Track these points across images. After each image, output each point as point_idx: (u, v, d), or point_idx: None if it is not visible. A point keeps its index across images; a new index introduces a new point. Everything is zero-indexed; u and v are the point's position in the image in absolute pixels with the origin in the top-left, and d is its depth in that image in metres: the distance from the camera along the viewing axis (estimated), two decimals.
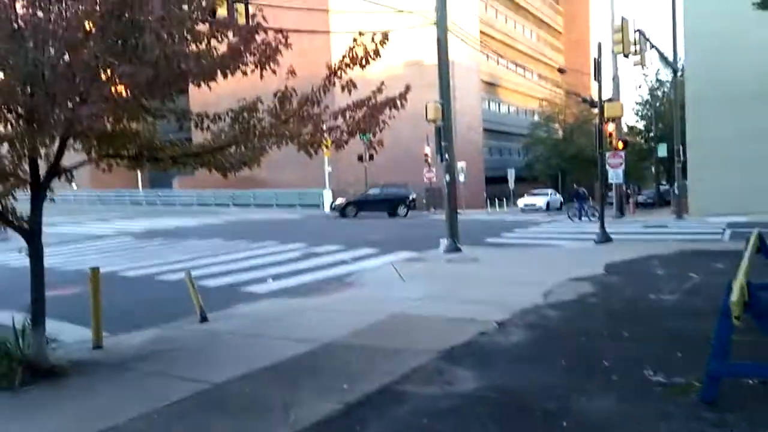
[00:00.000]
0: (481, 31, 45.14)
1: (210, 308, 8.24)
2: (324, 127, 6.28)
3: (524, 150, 58.30)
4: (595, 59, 17.53)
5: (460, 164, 36.85)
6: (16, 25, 4.90)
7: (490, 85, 58.75)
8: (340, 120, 6.35)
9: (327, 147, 6.55)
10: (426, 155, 36.55)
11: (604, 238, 16.03)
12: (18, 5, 4.95)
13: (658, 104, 46.13)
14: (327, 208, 36.65)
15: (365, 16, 15.13)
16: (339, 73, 6.16)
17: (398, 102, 6.26)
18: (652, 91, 47.30)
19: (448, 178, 15.37)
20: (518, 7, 65.59)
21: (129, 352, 6.62)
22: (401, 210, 31.49)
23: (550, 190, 42.70)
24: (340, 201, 32.70)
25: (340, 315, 8.18)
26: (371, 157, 32.83)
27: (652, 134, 45.86)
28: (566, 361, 5.59)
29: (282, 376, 5.49)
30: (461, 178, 36.74)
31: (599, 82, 17.32)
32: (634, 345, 6.10)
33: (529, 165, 56.25)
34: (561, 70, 36.83)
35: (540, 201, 39.67)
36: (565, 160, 52.50)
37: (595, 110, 19.08)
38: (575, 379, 5.12)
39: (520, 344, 6.32)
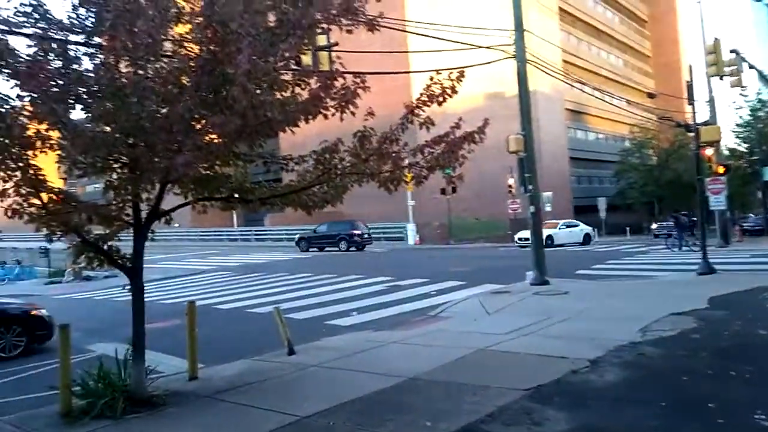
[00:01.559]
0: (564, 60, 44.39)
1: (297, 341, 8.44)
2: (403, 164, 6.38)
3: (616, 177, 56.02)
4: (687, 82, 16.73)
5: (546, 194, 35.97)
6: (120, 83, 5.41)
7: (576, 113, 57.34)
8: (419, 156, 6.44)
9: (407, 182, 6.64)
10: (510, 186, 35.97)
11: (707, 269, 14.97)
12: (121, 65, 5.46)
13: (761, 125, 43.00)
14: (411, 241, 36.91)
15: (444, 54, 15.33)
16: (416, 111, 6.27)
17: (476, 136, 6.27)
18: (753, 111, 44.23)
19: (532, 208, 15.04)
20: (601, 34, 64.04)
21: (221, 383, 6.88)
22: (342, 245, 32.83)
23: (561, 221, 34.69)
24: (297, 237, 36.26)
25: (425, 349, 8.12)
26: (454, 189, 32.76)
27: (756, 157, 42.71)
28: (666, 403, 5.23)
29: (365, 411, 5.50)
30: (547, 208, 35.80)
31: (693, 105, 16.46)
32: (743, 386, 5.63)
33: (622, 192, 53.91)
34: (651, 95, 35.13)
35: None
36: (660, 187, 49.91)
37: (691, 134, 18.10)
38: (676, 423, 4.79)
39: (615, 384, 5.98)
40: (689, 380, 5.91)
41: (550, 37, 39.03)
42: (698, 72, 19.37)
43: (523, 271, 15.09)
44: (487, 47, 15.35)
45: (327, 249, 33.35)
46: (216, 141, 5.57)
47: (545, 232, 32.09)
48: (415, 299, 13.37)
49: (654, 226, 41.79)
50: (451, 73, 6.48)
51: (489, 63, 15.89)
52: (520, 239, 32.79)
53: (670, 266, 18.53)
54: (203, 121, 5.44)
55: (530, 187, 14.76)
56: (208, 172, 6.15)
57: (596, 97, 47.38)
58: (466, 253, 28.54)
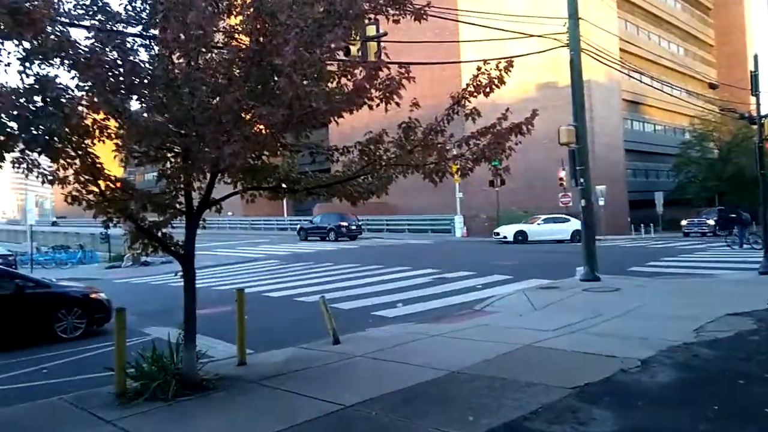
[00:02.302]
0: (621, 49, 42.88)
1: (342, 330, 8.53)
2: (449, 156, 6.32)
3: (674, 171, 53.94)
4: (751, 72, 15.92)
5: (600, 188, 34.99)
6: (172, 74, 5.56)
7: (633, 104, 55.39)
8: (464, 148, 6.36)
9: (453, 175, 6.58)
10: (561, 179, 35.15)
11: None
12: (174, 56, 5.61)
13: None
14: (458, 234, 36.74)
15: (495, 43, 15.08)
16: (463, 101, 6.19)
17: (524, 128, 6.14)
18: None
19: (583, 202, 14.65)
20: (661, 22, 61.48)
21: (268, 369, 7.04)
22: (331, 235, 35.94)
23: (543, 216, 32.25)
24: (298, 227, 40.44)
25: (469, 343, 8.06)
26: (503, 182, 32.32)
27: None
28: (719, 407, 5.03)
29: (408, 402, 5.51)
30: (600, 202, 34.85)
31: (757, 96, 15.68)
32: None
33: (681, 187, 51.90)
34: (712, 86, 33.23)
35: (508, 231, 31.23)
36: (722, 181, 47.77)
37: (755, 127, 17.24)
38: (729, 428, 4.60)
39: (666, 385, 5.79)
40: (745, 384, 5.65)
41: (607, 25, 37.79)
42: (765, 61, 18.37)
43: (573, 266, 14.76)
44: (540, 36, 14.99)
45: (325, 239, 36.03)
46: (263, 131, 5.66)
47: (518, 228, 31.21)
48: (460, 292, 13.30)
49: (684, 222, 37.70)
50: (499, 62, 6.36)
51: (541, 52, 15.55)
52: (495, 234, 31.92)
53: (730, 264, 17.76)
54: (251, 112, 5.53)
55: (582, 180, 14.36)
56: (256, 162, 6.27)
57: (655, 88, 45.69)
58: (514, 247, 28.12)
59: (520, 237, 30.53)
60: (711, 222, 35.22)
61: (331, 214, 36.98)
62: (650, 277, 14.75)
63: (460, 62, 30.37)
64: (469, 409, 5.17)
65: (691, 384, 5.81)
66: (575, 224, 30.46)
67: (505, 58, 6.35)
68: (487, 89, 6.10)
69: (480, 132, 6.27)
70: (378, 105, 5.75)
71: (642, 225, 39.55)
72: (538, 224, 31.58)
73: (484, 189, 35.94)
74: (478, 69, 6.20)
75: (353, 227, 36.34)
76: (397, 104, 5.60)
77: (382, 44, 8.84)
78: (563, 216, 32.27)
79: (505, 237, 31.04)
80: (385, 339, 8.50)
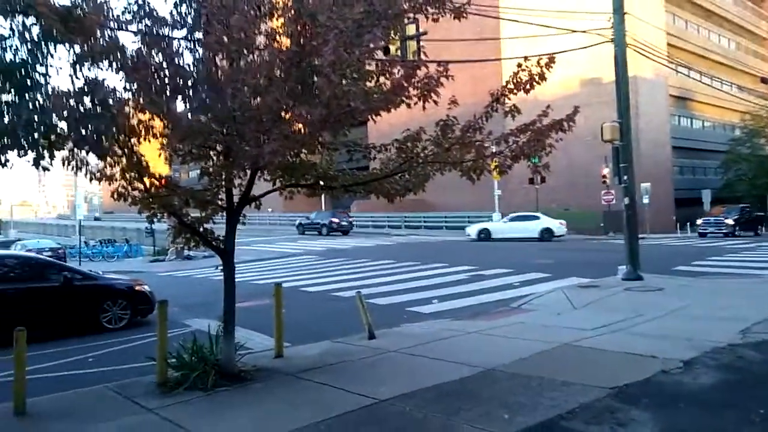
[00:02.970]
0: (668, 44, 41.63)
1: (378, 326, 8.60)
2: (487, 153, 6.28)
3: (723, 168, 52.10)
4: None
5: (645, 185, 34.12)
6: (215, 77, 5.70)
7: (681, 100, 53.68)
8: (503, 145, 6.31)
9: (491, 172, 6.54)
10: (604, 176, 34.41)
11: None
12: (217, 58, 5.75)
13: None
14: None
15: (538, 40, 14.87)
16: (502, 99, 6.14)
17: (565, 125, 6.05)
18: None
19: (627, 200, 14.31)
20: (711, 15, 59.23)
21: (304, 362, 7.15)
22: (324, 230, 39.59)
23: (511, 215, 32.37)
24: (297, 222, 43.62)
25: (505, 341, 8.02)
26: (543, 179, 31.87)
27: None
28: (765, 410, 4.87)
29: (442, 399, 5.52)
30: (645, 200, 34.01)
31: None
32: None
33: (729, 185, 50.11)
34: (765, 80, 31.87)
35: (473, 229, 31.72)
36: None
37: None
38: None
39: (709, 387, 5.64)
40: None
41: (654, 19, 36.74)
42: None
43: (614, 265, 14.47)
44: (584, 32, 14.69)
45: (320, 233, 39.52)
46: (302, 130, 5.74)
47: (481, 226, 31.50)
48: (497, 290, 13.20)
49: (699, 221, 34.40)
50: (540, 59, 6.29)
51: (585, 48, 15.25)
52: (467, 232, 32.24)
53: None
54: (290, 112, 5.63)
55: (625, 177, 14.05)
56: (294, 159, 6.37)
57: (704, 83, 44.20)
58: (553, 245, 27.70)
59: (483, 235, 31.03)
60: (730, 221, 32.31)
61: (325, 212, 42.76)
62: (695, 277, 14.33)
63: (499, 59, 30.05)
64: (504, 407, 5.16)
65: (736, 386, 5.64)
66: (545, 222, 30.91)
67: (546, 54, 6.27)
68: (527, 86, 6.04)
69: (519, 129, 6.22)
70: (416, 103, 5.76)
71: (688, 224, 38.34)
72: (504, 222, 32.05)
73: (524, 187, 35.46)
74: (519, 66, 6.15)
75: (344, 223, 40.36)
76: (435, 102, 5.60)
77: (421, 43, 8.84)
78: (532, 214, 32.03)
79: (469, 235, 31.77)
80: (420, 335, 8.52)
